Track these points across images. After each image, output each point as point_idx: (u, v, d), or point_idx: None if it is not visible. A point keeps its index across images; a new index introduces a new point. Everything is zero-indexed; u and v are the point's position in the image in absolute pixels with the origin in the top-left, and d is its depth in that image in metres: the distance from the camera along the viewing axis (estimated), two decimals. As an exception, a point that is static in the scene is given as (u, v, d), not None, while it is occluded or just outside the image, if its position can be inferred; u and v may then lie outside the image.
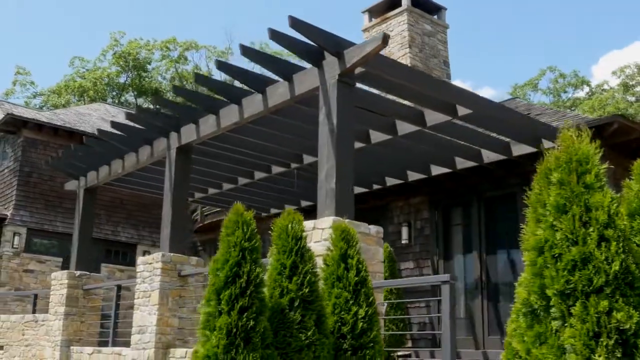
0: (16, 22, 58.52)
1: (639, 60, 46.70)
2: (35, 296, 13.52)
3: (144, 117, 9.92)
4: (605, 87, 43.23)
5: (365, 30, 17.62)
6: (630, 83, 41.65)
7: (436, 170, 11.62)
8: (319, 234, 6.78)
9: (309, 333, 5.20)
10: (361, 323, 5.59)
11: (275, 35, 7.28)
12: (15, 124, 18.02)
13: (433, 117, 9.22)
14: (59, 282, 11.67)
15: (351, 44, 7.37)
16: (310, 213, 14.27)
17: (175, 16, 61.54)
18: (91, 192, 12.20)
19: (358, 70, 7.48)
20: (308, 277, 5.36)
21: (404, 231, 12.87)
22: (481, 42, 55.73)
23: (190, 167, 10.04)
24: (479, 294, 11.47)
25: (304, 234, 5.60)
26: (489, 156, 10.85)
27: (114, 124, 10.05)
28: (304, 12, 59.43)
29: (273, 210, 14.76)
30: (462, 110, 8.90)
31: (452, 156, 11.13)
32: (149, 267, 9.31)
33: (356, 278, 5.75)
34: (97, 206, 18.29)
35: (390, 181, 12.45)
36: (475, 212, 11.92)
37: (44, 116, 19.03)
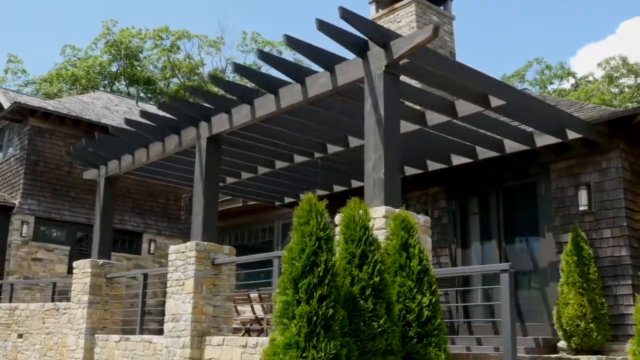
0: (7, 10, 57.51)
1: (623, 52, 47.44)
2: (54, 285, 13.37)
3: (177, 106, 9.81)
4: (590, 78, 43.64)
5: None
6: (615, 75, 42.08)
7: (457, 160, 11.66)
8: (371, 223, 6.75)
9: (381, 321, 5.22)
10: (426, 311, 5.62)
11: (323, 26, 7.23)
12: (22, 113, 17.75)
13: (465, 107, 9.23)
14: (82, 271, 11.56)
15: (397, 35, 7.34)
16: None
17: (168, 5, 60.90)
18: (112, 182, 12.08)
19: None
20: (378, 267, 5.37)
21: (421, 220, 12.89)
22: (469, 32, 56.03)
23: (220, 156, 9.96)
24: (498, 282, 11.54)
25: (370, 223, 5.60)
26: (511, 146, 10.90)
27: (143, 114, 9.94)
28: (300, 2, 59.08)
29: (287, 199, 14.74)
30: (495, 102, 8.92)
31: (474, 146, 11.16)
32: (182, 256, 9.25)
33: (419, 267, 5.77)
34: (103, 195, 18.20)
35: (410, 170, 12.45)
36: (494, 201, 11.98)
37: (50, 105, 18.78)
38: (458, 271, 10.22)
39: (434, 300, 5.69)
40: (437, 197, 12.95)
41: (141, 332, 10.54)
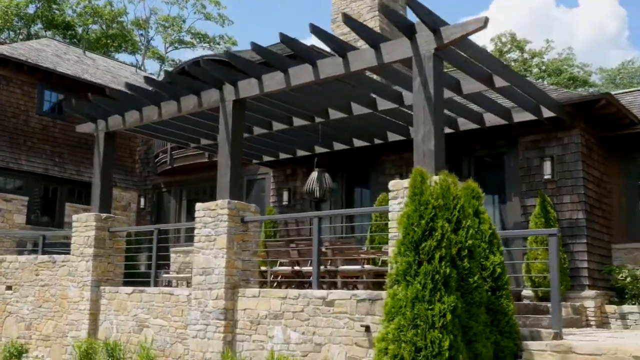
0: None
1: (513, 28, 50.43)
2: (44, 237, 12.92)
3: (205, 68, 9.82)
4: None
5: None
6: (505, 49, 44.58)
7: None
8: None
9: (475, 277, 5.92)
10: (498, 269, 6.39)
11: (383, 8, 7.62)
12: (-24, 59, 16.56)
13: (469, 86, 9.97)
14: (84, 224, 11.36)
15: (444, 22, 7.88)
16: (303, 163, 14.79)
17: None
18: (111, 137, 11.83)
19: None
20: (470, 232, 6.03)
21: (396, 182, 13.72)
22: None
23: (244, 119, 10.14)
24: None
25: (459, 193, 6.22)
26: (490, 120, 11.85)
27: (168, 74, 9.88)
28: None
29: (266, 158, 15.03)
30: (499, 82, 9.72)
31: (457, 117, 12.01)
32: (212, 213, 9.45)
33: (490, 230, 6.50)
34: (60, 145, 17.57)
35: (392, 137, 13.15)
36: (466, 167, 13.00)
37: (5, 50, 17.57)
38: (511, 234, 11.28)
39: (502, 259, 6.47)
40: (411, 162, 13.76)
41: (155, 285, 10.66)
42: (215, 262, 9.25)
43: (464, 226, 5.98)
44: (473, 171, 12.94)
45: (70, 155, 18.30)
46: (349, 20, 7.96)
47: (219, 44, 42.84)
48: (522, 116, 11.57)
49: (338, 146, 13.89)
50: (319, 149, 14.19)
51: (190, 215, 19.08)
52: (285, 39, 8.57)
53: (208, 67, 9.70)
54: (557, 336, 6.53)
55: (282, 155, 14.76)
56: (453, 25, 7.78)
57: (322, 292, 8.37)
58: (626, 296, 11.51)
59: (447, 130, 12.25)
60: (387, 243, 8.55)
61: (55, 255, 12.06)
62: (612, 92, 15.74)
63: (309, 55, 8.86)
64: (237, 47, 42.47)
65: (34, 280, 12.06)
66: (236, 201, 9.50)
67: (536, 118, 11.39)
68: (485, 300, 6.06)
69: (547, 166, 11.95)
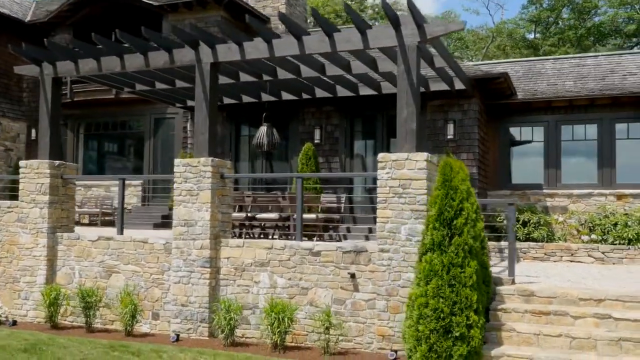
0: None
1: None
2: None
3: (188, 29, 9.70)
4: None
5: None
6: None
7: (364, 90, 13.52)
8: (414, 164, 8.48)
9: (477, 243, 7.26)
10: (482, 233, 7.80)
11: (385, 2, 8.34)
12: None
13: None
14: (35, 171, 10.76)
15: (424, 19, 8.77)
16: (224, 109, 15.00)
17: None
18: (58, 82, 11.12)
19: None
20: (474, 207, 7.30)
21: (317, 132, 14.66)
22: None
23: (218, 80, 10.26)
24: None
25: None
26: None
27: (147, 31, 9.62)
28: None
29: (190, 103, 14.98)
30: (439, 62, 10.98)
31: (381, 82, 13.15)
32: (194, 170, 9.68)
33: (475, 203, 7.84)
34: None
35: (321, 93, 13.92)
36: (379, 124, 14.32)
37: None
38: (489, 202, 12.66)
39: (483, 225, 7.87)
40: (330, 115, 14.75)
41: (121, 232, 10.65)
42: (199, 215, 9.61)
43: (471, 202, 7.23)
44: (386, 128, 14.32)
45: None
46: (347, 7, 8.54)
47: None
48: (438, 86, 13.04)
49: (266, 97, 14.33)
50: (246, 99, 14.52)
51: (88, 151, 18.30)
52: (282, 18, 8.90)
53: (190, 28, 9.61)
54: (513, 282, 8.24)
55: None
56: (435, 23, 8.75)
57: (309, 244, 9.28)
58: (503, 234, 13.91)
59: (370, 91, 13.42)
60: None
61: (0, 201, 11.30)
62: (486, 62, 17.92)
63: (298, 31, 9.27)
64: None
65: (-28, 226, 11.24)
66: (217, 159, 9.82)
67: (449, 89, 12.93)
68: (480, 259, 7.49)
69: (450, 128, 13.71)
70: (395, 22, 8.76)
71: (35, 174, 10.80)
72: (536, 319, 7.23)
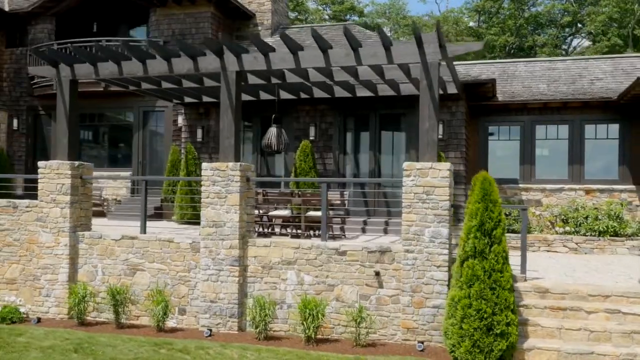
0: None
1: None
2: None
3: (218, 41, 9.88)
4: None
5: None
6: None
7: (361, 92, 14.03)
8: (437, 173, 9.13)
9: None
10: (502, 237, 8.54)
11: (414, 24, 8.85)
12: None
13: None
14: (55, 172, 10.74)
15: (446, 40, 9.38)
16: (218, 105, 15.18)
17: None
18: (75, 85, 11.06)
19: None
20: (502, 215, 8.02)
21: (312, 130, 15.07)
22: None
23: (241, 88, 10.52)
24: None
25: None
26: (404, 90, 13.72)
27: (177, 41, 9.74)
28: None
29: (187, 99, 15.05)
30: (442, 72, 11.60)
31: (377, 85, 13.68)
32: (222, 174, 9.98)
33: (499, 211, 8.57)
34: None
35: (318, 93, 14.31)
36: (372, 122, 14.88)
37: None
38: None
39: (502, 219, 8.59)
40: (325, 113, 15.18)
41: (144, 232, 10.81)
42: (228, 216, 9.95)
43: (495, 210, 7.93)
44: (378, 125, 14.91)
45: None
46: (379, 30, 9.01)
47: None
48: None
49: (264, 96, 14.59)
50: (245, 97, 14.72)
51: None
52: (314, 34, 9.27)
53: (220, 40, 9.82)
54: (525, 279, 9.07)
55: (206, 99, 14.95)
56: (458, 43, 9.36)
57: (335, 244, 9.82)
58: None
59: (367, 93, 13.94)
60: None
61: (15, 200, 11.17)
62: (462, 63, 18.70)
63: (320, 43, 9.65)
64: None
65: (-11, 225, 11.10)
66: (244, 164, 10.15)
67: (442, 92, 13.62)
68: (503, 261, 8.24)
69: (440, 128, 14.42)
70: (419, 41, 9.31)
71: (55, 174, 10.79)
72: (554, 314, 8.08)
